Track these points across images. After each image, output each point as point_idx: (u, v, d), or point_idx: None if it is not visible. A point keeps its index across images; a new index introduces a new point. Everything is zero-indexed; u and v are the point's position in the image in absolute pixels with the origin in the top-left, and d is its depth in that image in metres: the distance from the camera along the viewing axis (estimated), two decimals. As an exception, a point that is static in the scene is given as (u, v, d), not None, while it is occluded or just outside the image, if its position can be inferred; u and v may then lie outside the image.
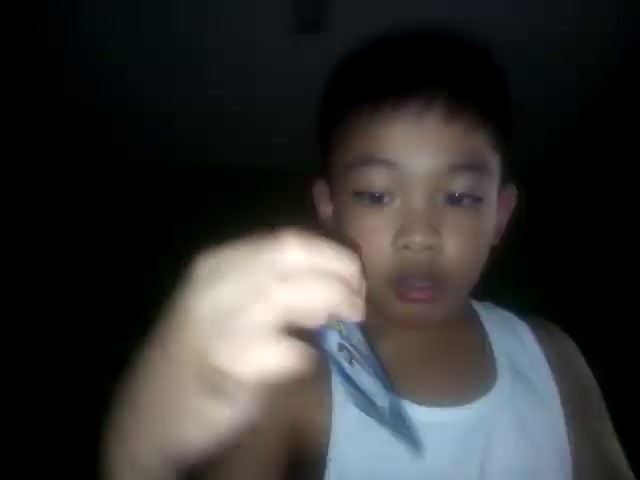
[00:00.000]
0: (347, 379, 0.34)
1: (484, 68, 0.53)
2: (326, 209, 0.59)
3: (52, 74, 2.27)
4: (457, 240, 0.47)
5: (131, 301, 2.59)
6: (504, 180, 0.55)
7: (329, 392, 0.50)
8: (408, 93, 0.47)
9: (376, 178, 0.48)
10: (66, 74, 2.27)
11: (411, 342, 0.55)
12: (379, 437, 0.47)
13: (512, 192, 0.57)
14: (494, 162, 0.50)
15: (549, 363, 0.58)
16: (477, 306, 0.63)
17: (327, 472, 0.47)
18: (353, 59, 0.55)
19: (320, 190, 0.60)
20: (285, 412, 0.49)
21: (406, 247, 0.46)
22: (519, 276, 2.38)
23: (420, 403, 0.50)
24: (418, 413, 0.49)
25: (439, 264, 0.47)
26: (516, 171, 0.54)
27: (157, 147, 2.81)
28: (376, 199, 0.48)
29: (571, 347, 0.62)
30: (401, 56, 0.50)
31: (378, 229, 0.48)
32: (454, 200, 0.47)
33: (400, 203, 0.47)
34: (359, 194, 0.48)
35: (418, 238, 0.46)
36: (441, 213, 0.47)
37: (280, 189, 2.88)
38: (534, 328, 0.61)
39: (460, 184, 0.47)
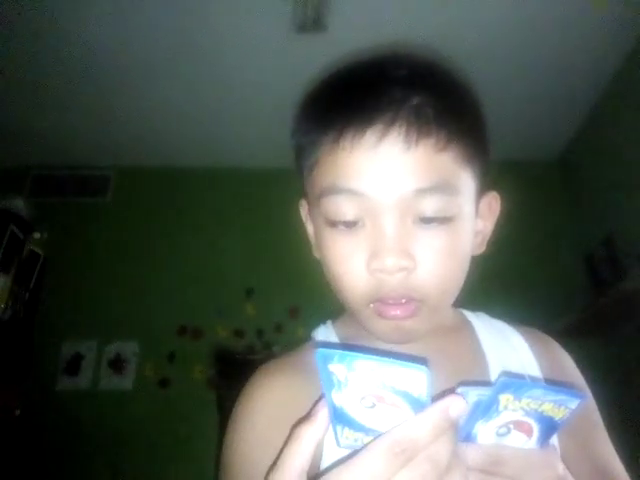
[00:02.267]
0: None
1: (445, 87, 0.53)
2: (310, 228, 0.61)
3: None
4: (430, 259, 0.48)
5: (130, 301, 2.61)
6: (482, 188, 0.54)
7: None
8: (366, 123, 0.48)
9: (344, 206, 0.48)
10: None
11: (405, 351, 0.56)
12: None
13: (493, 197, 0.58)
14: (465, 177, 0.50)
15: (541, 370, 0.58)
16: (470, 316, 0.64)
17: None
18: (316, 89, 0.55)
19: (305, 209, 0.62)
20: (284, 430, 0.50)
21: (379, 271, 0.47)
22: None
23: None
24: None
25: (413, 284, 0.48)
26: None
27: (157, 148, 2.82)
28: (347, 225, 0.49)
29: (564, 356, 0.62)
30: (361, 85, 0.51)
31: (352, 254, 0.49)
32: (424, 221, 0.48)
33: (370, 228, 0.49)
34: (331, 221, 0.50)
35: (389, 261, 0.46)
36: (411, 235, 0.47)
37: (280, 189, 2.89)
38: (527, 337, 0.62)
39: (428, 206, 0.48)
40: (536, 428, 0.35)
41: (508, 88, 2.30)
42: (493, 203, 0.58)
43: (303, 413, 0.51)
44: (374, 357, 0.31)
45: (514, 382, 0.32)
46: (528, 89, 2.39)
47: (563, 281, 2.49)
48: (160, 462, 2.27)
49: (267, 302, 2.58)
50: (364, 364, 0.31)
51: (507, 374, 0.42)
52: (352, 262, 0.49)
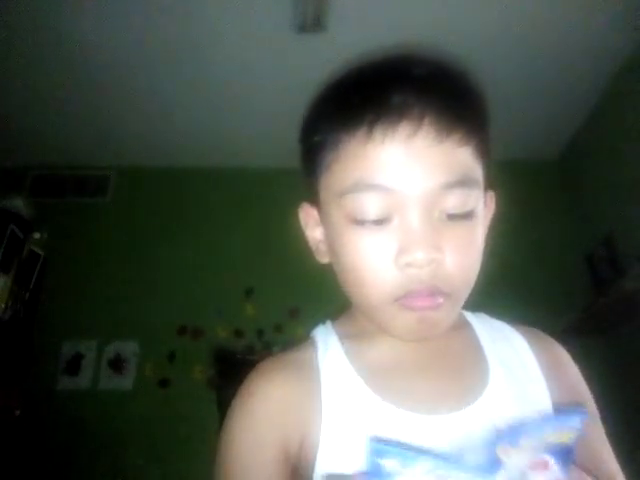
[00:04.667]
0: None
1: (463, 83, 0.55)
2: (315, 233, 0.60)
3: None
4: (456, 252, 0.49)
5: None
6: (486, 187, 0.56)
7: (319, 409, 0.51)
8: (397, 117, 0.48)
9: (371, 202, 0.48)
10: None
11: (406, 351, 0.56)
12: (363, 445, 0.48)
13: (490, 196, 0.59)
14: (479, 173, 0.52)
15: (542, 369, 0.58)
16: (469, 317, 0.64)
17: None
18: (332, 87, 0.55)
19: (307, 214, 0.60)
20: (281, 429, 0.51)
21: (408, 265, 0.47)
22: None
23: (414, 410, 0.50)
24: (412, 421, 0.50)
25: (441, 277, 0.48)
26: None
27: (157, 148, 2.82)
28: (374, 221, 0.49)
29: (563, 354, 0.63)
30: (386, 81, 0.51)
31: (378, 250, 0.49)
32: (448, 214, 0.49)
33: (397, 223, 0.48)
34: (355, 219, 0.50)
35: (419, 255, 0.47)
36: (437, 228, 0.48)
37: (280, 189, 2.89)
38: (527, 336, 0.62)
39: (453, 200, 0.49)
40: (551, 460, 0.34)
41: (508, 88, 2.30)
42: (489, 202, 0.59)
43: (301, 411, 0.51)
44: (433, 458, 0.30)
45: (503, 433, 0.31)
46: (528, 89, 2.39)
47: (563, 281, 2.49)
48: (160, 462, 2.27)
49: (267, 302, 2.58)
50: (423, 464, 0.30)
51: (497, 430, 0.41)
52: (379, 259, 0.49)
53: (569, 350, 0.63)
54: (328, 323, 0.62)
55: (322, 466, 0.48)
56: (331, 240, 0.54)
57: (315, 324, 0.63)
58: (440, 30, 2.02)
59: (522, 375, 0.57)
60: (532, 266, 2.47)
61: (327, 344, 0.57)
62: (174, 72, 2.30)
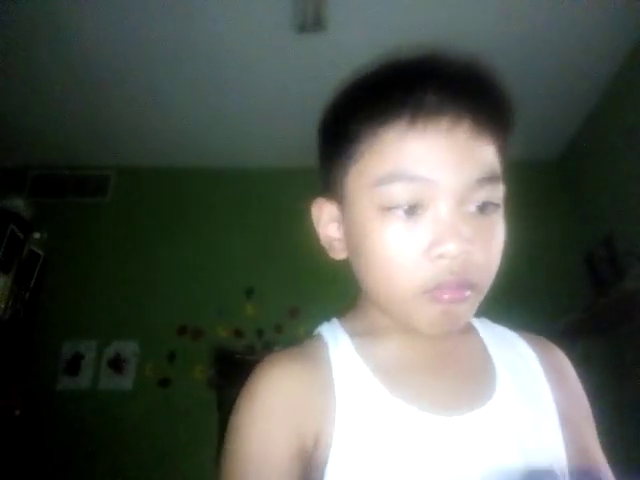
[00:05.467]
0: None
1: (494, 82, 0.55)
2: (329, 229, 0.59)
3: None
4: (484, 245, 0.50)
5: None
6: None
7: (333, 406, 0.51)
8: (438, 109, 0.49)
9: (406, 193, 0.49)
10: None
11: (416, 350, 0.56)
12: (377, 444, 0.48)
13: None
14: (501, 171, 0.53)
15: (545, 374, 0.59)
16: (474, 321, 0.64)
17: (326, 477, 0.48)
18: (372, 77, 0.54)
19: (322, 209, 0.59)
20: (297, 423, 0.50)
21: (440, 257, 0.48)
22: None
23: (427, 410, 0.50)
24: (426, 421, 0.50)
25: (471, 269, 0.49)
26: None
27: (157, 148, 2.82)
28: (407, 212, 0.49)
29: (564, 359, 0.64)
30: (425, 73, 0.52)
31: (410, 241, 0.49)
32: (479, 208, 0.51)
33: (430, 215, 0.49)
34: (388, 208, 0.49)
35: (452, 246, 0.47)
36: (468, 221, 0.49)
37: (280, 189, 2.89)
38: (531, 343, 0.63)
39: (483, 195, 0.50)
40: None
41: (508, 88, 2.30)
42: None
43: (316, 405, 0.50)
44: None
45: None
46: (528, 89, 2.39)
47: (563, 281, 2.49)
48: (160, 462, 2.27)
49: (267, 302, 2.58)
50: None
51: None
52: (410, 250, 0.49)
53: (569, 350, 0.63)
54: (334, 320, 0.61)
55: (335, 467, 0.48)
56: (356, 233, 0.54)
57: (316, 324, 0.62)
58: (440, 30, 2.02)
59: (528, 380, 0.57)
60: (532, 266, 2.47)
61: (337, 340, 0.56)
62: (174, 72, 2.30)
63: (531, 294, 2.35)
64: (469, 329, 0.62)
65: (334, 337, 0.57)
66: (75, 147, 2.79)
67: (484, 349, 0.60)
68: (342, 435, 0.49)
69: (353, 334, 0.57)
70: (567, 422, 0.56)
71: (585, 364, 0.64)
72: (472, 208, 0.50)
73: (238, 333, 2.54)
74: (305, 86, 2.37)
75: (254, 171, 2.89)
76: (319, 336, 0.59)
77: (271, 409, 0.50)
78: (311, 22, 1.99)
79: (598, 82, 2.39)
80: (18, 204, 2.08)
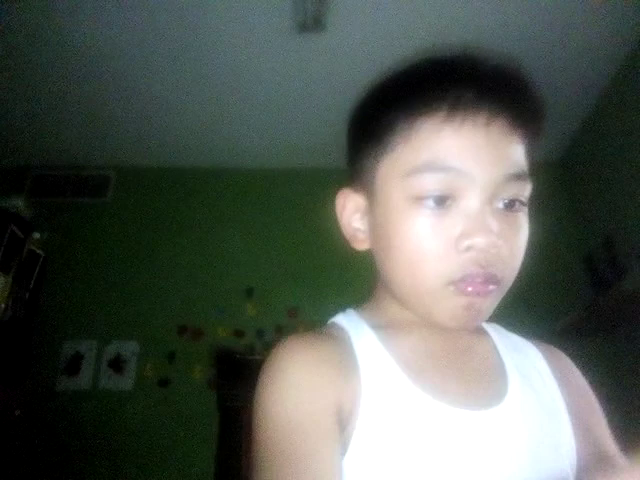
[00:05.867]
0: None
1: (528, 83, 0.56)
2: (352, 219, 0.59)
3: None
4: (511, 242, 0.50)
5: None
6: None
7: (359, 391, 0.50)
8: (476, 103, 0.50)
9: (439, 184, 0.49)
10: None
11: (435, 344, 0.56)
12: (401, 434, 0.48)
13: None
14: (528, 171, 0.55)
15: (555, 377, 0.60)
16: (485, 326, 0.65)
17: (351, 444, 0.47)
18: (409, 71, 0.55)
19: (348, 199, 0.59)
20: (330, 396, 0.49)
21: (469, 249, 0.48)
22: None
23: (449, 403, 0.50)
24: (448, 414, 0.50)
25: (498, 264, 0.50)
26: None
27: (157, 148, 2.82)
28: (439, 203, 0.49)
29: (572, 364, 0.65)
30: (464, 68, 0.53)
31: (440, 232, 0.50)
32: (508, 204, 0.51)
33: (461, 207, 0.49)
34: (420, 199, 0.50)
35: (481, 240, 0.48)
36: (497, 217, 0.50)
37: (280, 189, 2.89)
38: (540, 348, 0.64)
39: (512, 191, 0.51)
40: None
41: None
42: None
43: (347, 384, 0.50)
44: None
45: None
46: (528, 89, 2.39)
47: (563, 281, 2.49)
48: (160, 462, 2.27)
49: (267, 302, 2.58)
50: None
51: None
52: (439, 240, 0.49)
53: (569, 350, 0.64)
54: (350, 311, 0.61)
55: (354, 453, 0.47)
56: (384, 223, 0.54)
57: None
58: (439, 31, 2.02)
59: (538, 383, 0.58)
60: (532, 266, 2.47)
61: (358, 330, 0.56)
62: (174, 72, 2.30)
63: (531, 294, 2.35)
64: (482, 332, 0.63)
65: (355, 327, 0.56)
66: (75, 147, 2.79)
67: (495, 351, 0.60)
68: (366, 420, 0.48)
69: (374, 326, 0.57)
70: (578, 421, 0.57)
71: (585, 364, 0.64)
72: (501, 204, 0.51)
73: (238, 333, 2.54)
74: (305, 86, 2.37)
75: (254, 171, 2.89)
76: (336, 325, 0.58)
77: (298, 382, 0.49)
78: (311, 22, 1.99)
79: (598, 82, 2.39)
80: (18, 204, 2.08)
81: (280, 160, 2.82)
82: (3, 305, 1.92)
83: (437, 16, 2.01)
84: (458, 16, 2.02)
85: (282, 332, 2.52)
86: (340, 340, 0.54)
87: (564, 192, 2.83)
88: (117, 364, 2.47)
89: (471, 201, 0.49)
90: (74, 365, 2.47)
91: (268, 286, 2.61)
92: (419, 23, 2.02)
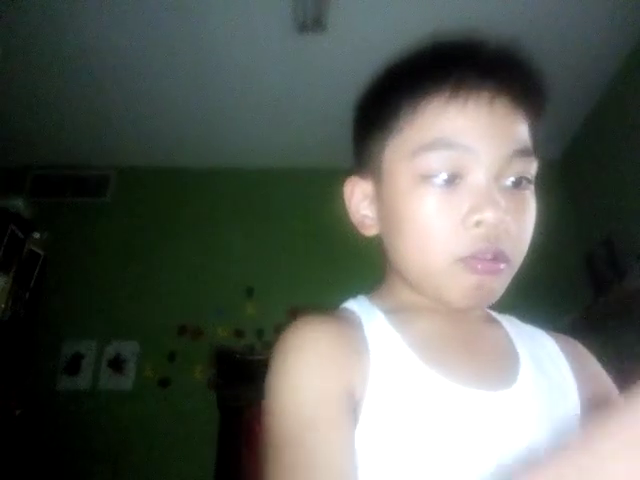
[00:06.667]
0: None
1: (529, 64, 0.57)
2: (361, 206, 0.60)
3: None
4: (519, 219, 0.51)
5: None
6: None
7: (367, 374, 0.50)
8: (480, 81, 0.50)
9: (446, 161, 0.50)
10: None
11: (446, 327, 0.57)
12: (412, 414, 0.48)
13: None
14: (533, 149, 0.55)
15: (568, 362, 0.60)
16: (497, 315, 0.65)
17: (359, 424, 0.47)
18: (413, 55, 0.56)
19: (356, 187, 0.60)
20: (342, 381, 0.49)
21: (478, 224, 0.49)
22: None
23: (462, 384, 0.50)
24: (462, 394, 0.50)
25: (506, 241, 0.50)
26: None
27: (157, 148, 2.82)
28: (447, 180, 0.50)
29: (590, 354, 0.65)
30: (468, 48, 0.54)
31: (448, 208, 0.50)
32: (515, 181, 0.51)
33: (468, 183, 0.50)
34: (427, 177, 0.50)
35: (490, 214, 0.48)
36: (504, 195, 0.50)
37: (280, 189, 2.89)
38: (553, 336, 0.64)
39: (519, 168, 0.51)
40: None
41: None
42: None
43: (358, 367, 0.50)
44: None
45: None
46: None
47: (563, 281, 2.49)
48: (160, 462, 2.27)
49: (267, 302, 2.58)
50: None
51: None
52: (448, 217, 0.50)
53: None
54: (361, 297, 0.61)
55: (364, 433, 0.47)
56: (392, 205, 0.54)
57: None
58: (439, 30, 2.02)
59: (551, 369, 0.58)
60: (532, 266, 2.47)
61: (369, 314, 0.56)
62: (174, 72, 2.30)
63: (531, 294, 2.35)
64: (492, 320, 0.63)
65: (366, 311, 0.57)
66: (75, 147, 2.80)
67: (508, 338, 0.60)
68: (376, 400, 0.48)
69: (386, 310, 0.57)
70: (594, 408, 0.58)
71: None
72: (508, 182, 0.51)
73: (238, 333, 2.54)
74: (305, 86, 2.37)
75: (254, 171, 2.89)
76: (347, 309, 0.58)
77: (320, 358, 0.49)
78: (311, 22, 1.99)
79: (598, 82, 2.39)
80: (18, 204, 2.08)
81: (280, 160, 2.82)
82: (3, 305, 1.92)
83: (437, 16, 2.01)
84: (458, 16, 2.01)
85: (282, 332, 2.52)
86: (351, 322, 0.54)
87: (564, 192, 2.83)
88: (117, 364, 2.48)
89: (479, 177, 0.50)
90: (74, 365, 2.47)
91: (268, 286, 2.61)
92: (419, 23, 2.02)
